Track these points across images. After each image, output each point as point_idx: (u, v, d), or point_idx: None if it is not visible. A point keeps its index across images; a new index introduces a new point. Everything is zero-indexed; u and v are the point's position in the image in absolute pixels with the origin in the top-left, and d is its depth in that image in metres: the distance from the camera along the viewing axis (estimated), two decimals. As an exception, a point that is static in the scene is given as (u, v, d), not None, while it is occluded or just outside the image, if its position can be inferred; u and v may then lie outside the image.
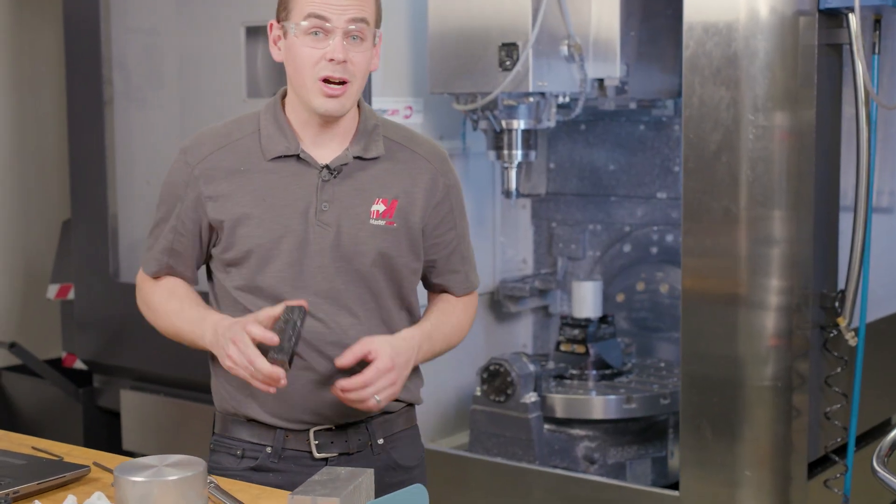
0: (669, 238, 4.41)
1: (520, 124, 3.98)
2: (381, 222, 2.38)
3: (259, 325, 2.24)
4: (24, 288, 5.41)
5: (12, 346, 4.61)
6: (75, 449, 2.55)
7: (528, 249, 4.82)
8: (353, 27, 2.28)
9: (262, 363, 2.20)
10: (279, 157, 2.37)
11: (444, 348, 2.50)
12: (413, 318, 2.50)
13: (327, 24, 2.27)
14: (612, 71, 4.01)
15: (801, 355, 3.29)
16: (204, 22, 4.34)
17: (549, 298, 4.74)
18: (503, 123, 3.98)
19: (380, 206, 2.38)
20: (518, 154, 4.04)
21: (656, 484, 3.92)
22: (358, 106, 2.44)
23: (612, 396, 3.91)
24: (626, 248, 4.55)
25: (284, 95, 2.44)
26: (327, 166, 2.37)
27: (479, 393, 3.96)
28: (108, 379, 4.74)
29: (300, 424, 2.41)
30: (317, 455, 2.41)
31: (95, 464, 2.39)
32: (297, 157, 2.37)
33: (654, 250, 4.47)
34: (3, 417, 5.09)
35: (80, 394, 4.75)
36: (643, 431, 3.99)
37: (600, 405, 3.90)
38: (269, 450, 2.41)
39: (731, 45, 3.19)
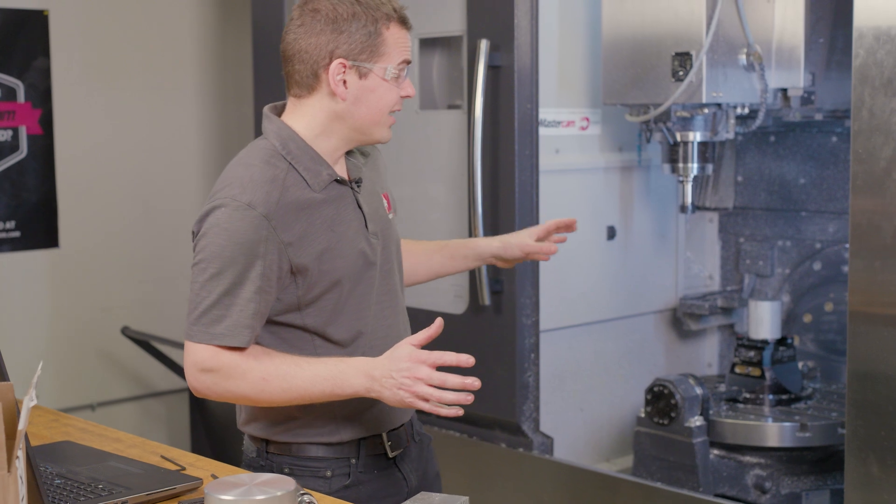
0: (861, 257, 4.15)
1: (695, 136, 3.83)
2: (391, 215, 2.51)
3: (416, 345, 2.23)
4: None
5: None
6: (201, 460, 2.59)
7: (715, 265, 4.64)
8: None
9: (453, 378, 2.18)
10: (325, 185, 2.36)
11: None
12: None
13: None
14: (796, 80, 3.81)
15: (982, 388, 3.04)
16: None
17: (735, 317, 4.55)
18: (677, 136, 3.84)
19: (384, 201, 2.51)
20: (694, 167, 3.89)
21: (835, 517, 3.71)
22: None
23: (786, 424, 3.70)
24: (817, 265, 4.32)
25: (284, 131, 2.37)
26: (355, 180, 2.44)
27: (643, 414, 3.82)
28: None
29: (376, 429, 2.45)
30: (390, 454, 2.47)
31: (213, 476, 2.42)
32: (336, 179, 2.38)
33: (846, 269, 4.22)
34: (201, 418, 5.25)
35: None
36: (821, 461, 3.77)
37: (771, 432, 3.69)
38: (353, 461, 2.42)
39: (905, 53, 2.97)
